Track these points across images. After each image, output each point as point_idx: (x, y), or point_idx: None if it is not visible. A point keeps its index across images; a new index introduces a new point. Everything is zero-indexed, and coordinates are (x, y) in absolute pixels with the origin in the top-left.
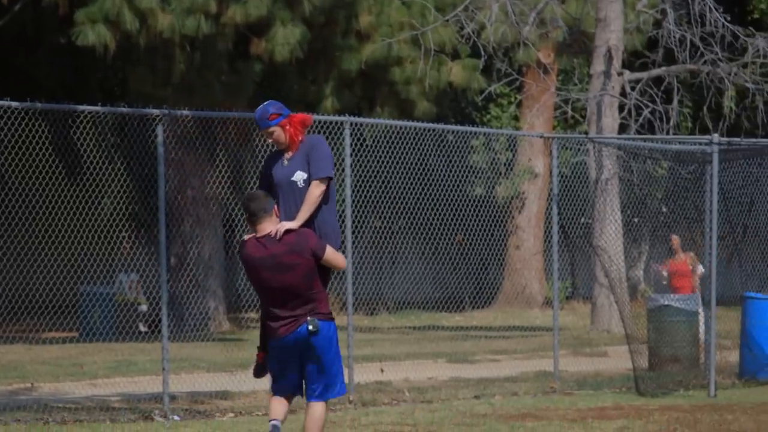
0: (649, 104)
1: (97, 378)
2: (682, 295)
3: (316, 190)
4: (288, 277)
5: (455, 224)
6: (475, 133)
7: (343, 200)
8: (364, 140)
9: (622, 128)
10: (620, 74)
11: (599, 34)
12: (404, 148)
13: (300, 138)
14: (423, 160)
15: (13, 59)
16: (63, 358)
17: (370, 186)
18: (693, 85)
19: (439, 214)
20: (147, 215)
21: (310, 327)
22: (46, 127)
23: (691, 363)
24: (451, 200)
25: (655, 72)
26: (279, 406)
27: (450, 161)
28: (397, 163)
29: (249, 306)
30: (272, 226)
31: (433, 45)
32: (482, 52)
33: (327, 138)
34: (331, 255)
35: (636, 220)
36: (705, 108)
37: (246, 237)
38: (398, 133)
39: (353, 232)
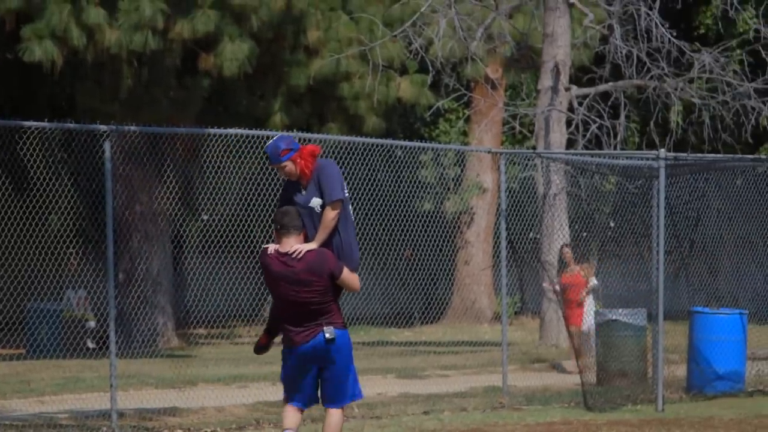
0: (597, 119)
1: (44, 395)
2: (629, 310)
3: (330, 213)
4: (304, 293)
5: (404, 239)
6: (424, 149)
7: None
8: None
9: (570, 143)
10: (568, 89)
11: (546, 49)
12: (353, 164)
13: (311, 168)
14: (372, 175)
15: None
16: (10, 375)
17: None
18: (640, 101)
19: (388, 230)
20: (95, 231)
21: (328, 335)
22: None
23: (639, 378)
24: (400, 215)
25: (603, 87)
26: (292, 416)
27: (399, 176)
28: (346, 178)
29: (198, 322)
30: (296, 243)
31: (382, 60)
32: (430, 68)
33: None
34: (347, 277)
35: (584, 234)
36: (652, 123)
37: (269, 247)
38: (347, 148)
39: None
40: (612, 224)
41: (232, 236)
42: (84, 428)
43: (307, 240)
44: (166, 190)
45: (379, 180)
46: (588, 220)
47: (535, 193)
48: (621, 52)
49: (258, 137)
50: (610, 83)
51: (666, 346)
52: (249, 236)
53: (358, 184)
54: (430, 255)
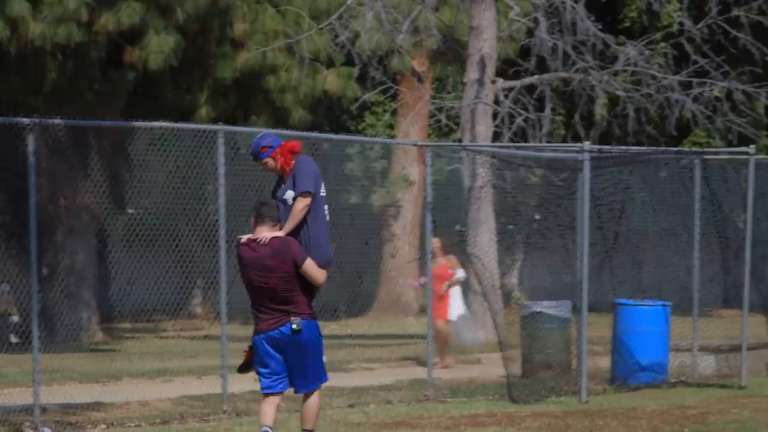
0: (522, 112)
1: None
2: (554, 302)
3: (299, 204)
4: (269, 278)
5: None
6: (350, 142)
7: (217, 209)
8: (239, 149)
9: (496, 136)
10: (493, 82)
11: (472, 42)
12: None
13: (291, 164)
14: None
15: None
16: None
17: (246, 195)
18: (565, 93)
19: None
20: (18, 225)
21: (294, 326)
22: None
23: (563, 369)
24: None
25: (528, 80)
26: (269, 409)
27: (325, 169)
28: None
29: (122, 316)
30: (267, 232)
31: (308, 53)
32: (357, 60)
33: (200, 147)
34: (311, 267)
35: (510, 227)
36: (577, 116)
37: (242, 237)
38: None
39: (228, 241)
40: (537, 217)
41: (158, 230)
42: (6, 423)
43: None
44: (90, 184)
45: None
46: (514, 213)
47: (461, 185)
48: (546, 45)
49: (183, 130)
50: (536, 76)
51: (590, 338)
52: (174, 230)
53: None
54: (356, 248)
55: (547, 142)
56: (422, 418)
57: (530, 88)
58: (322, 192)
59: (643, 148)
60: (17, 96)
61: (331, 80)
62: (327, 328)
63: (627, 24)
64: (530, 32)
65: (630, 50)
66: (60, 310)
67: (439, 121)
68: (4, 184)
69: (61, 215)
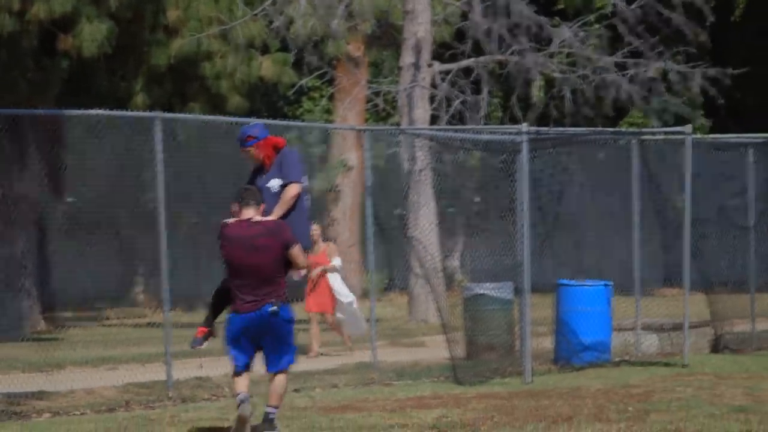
0: (460, 95)
1: None
2: (497, 284)
3: (290, 191)
4: (259, 257)
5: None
6: (288, 127)
7: (156, 196)
8: (176, 136)
9: (434, 119)
10: (430, 66)
11: (408, 26)
12: (216, 143)
13: (272, 157)
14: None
15: None
16: None
17: (184, 181)
18: (501, 76)
19: None
20: None
21: (273, 308)
22: None
23: (507, 350)
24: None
25: (464, 63)
26: (242, 381)
27: None
28: (210, 158)
29: (65, 305)
30: (254, 214)
31: (243, 39)
32: (292, 46)
33: (137, 134)
34: (297, 252)
35: (451, 210)
36: (514, 98)
37: (229, 221)
38: (210, 128)
39: (168, 228)
40: (477, 199)
41: (98, 218)
42: None
43: (264, 215)
44: (28, 174)
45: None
46: (454, 196)
47: (400, 169)
48: (481, 28)
49: (120, 118)
50: (472, 59)
51: (533, 319)
52: (114, 218)
53: (222, 163)
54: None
55: (485, 124)
56: (368, 401)
57: (466, 71)
58: (306, 182)
59: (580, 129)
60: None
61: (267, 66)
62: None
63: (561, 6)
64: (465, 15)
65: (565, 32)
66: (1, 300)
67: (376, 105)
68: None
69: None
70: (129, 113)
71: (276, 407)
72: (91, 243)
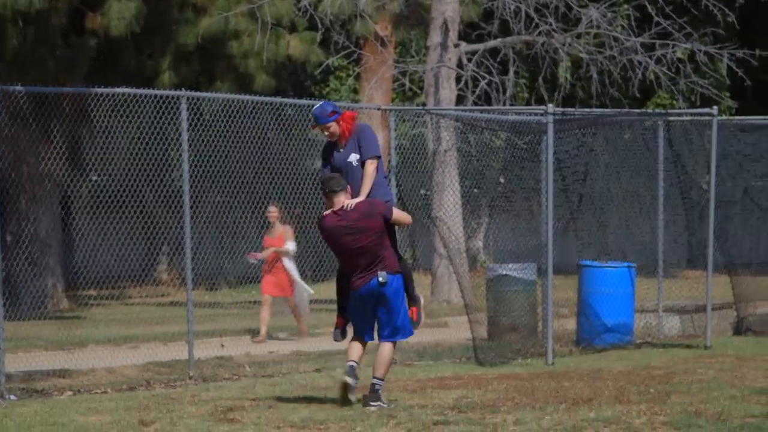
0: (486, 75)
1: None
2: (520, 265)
3: (371, 167)
4: (363, 238)
5: (296, 198)
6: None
7: (181, 175)
8: (202, 114)
9: (460, 100)
10: (457, 46)
11: (435, 5)
12: (243, 122)
13: (351, 130)
14: (262, 134)
15: None
16: None
17: (209, 160)
18: (528, 56)
19: (279, 188)
20: None
21: (381, 279)
22: None
23: (529, 332)
24: (291, 174)
25: (491, 43)
26: (356, 349)
27: (289, 135)
28: (236, 137)
29: (88, 284)
30: (345, 199)
31: (271, 18)
32: (320, 25)
33: (163, 113)
34: (398, 214)
35: (475, 191)
36: (540, 78)
37: (325, 213)
38: (236, 107)
39: (192, 207)
40: (502, 180)
41: (122, 196)
42: None
43: (352, 195)
44: (53, 151)
45: (269, 138)
46: (478, 177)
47: (425, 149)
48: (509, 8)
49: (146, 96)
50: (499, 39)
51: (556, 300)
52: (139, 196)
53: (248, 142)
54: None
55: (511, 105)
56: (389, 382)
57: (493, 52)
58: (379, 152)
59: (606, 110)
60: None
61: (294, 45)
62: None
63: None
64: None
65: (593, 12)
66: (24, 277)
67: (402, 85)
68: None
69: (24, 183)
70: (155, 91)
71: (381, 378)
72: (114, 222)
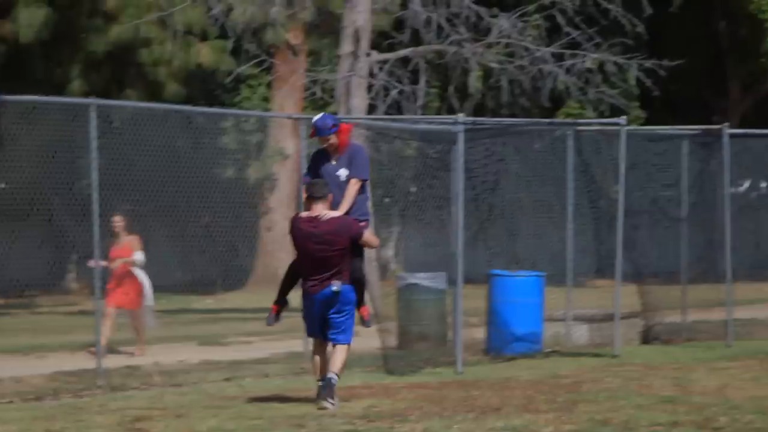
0: (397, 85)
1: None
2: (430, 274)
3: (354, 186)
4: (327, 250)
5: (205, 206)
6: (225, 115)
7: (89, 184)
8: (112, 123)
9: (371, 109)
10: (368, 55)
11: (347, 15)
12: (152, 131)
13: (347, 143)
14: (172, 142)
15: None
16: None
17: (118, 169)
18: (439, 66)
19: (188, 197)
20: None
21: (335, 288)
22: None
23: (439, 341)
24: (202, 182)
25: (403, 53)
26: (319, 358)
27: (200, 143)
28: (146, 145)
29: None
30: (323, 209)
31: (181, 26)
32: (231, 33)
33: (72, 121)
34: (368, 237)
35: (386, 200)
36: (452, 88)
37: (303, 214)
38: (146, 115)
39: (101, 216)
40: (413, 189)
41: (31, 204)
42: None
43: (332, 205)
44: None
45: (178, 147)
46: (390, 186)
47: None
48: (420, 18)
49: (55, 104)
50: (410, 49)
51: (466, 309)
52: (47, 204)
53: (156, 151)
54: (231, 221)
55: (422, 114)
56: (298, 391)
57: (405, 61)
58: (368, 176)
59: (516, 119)
60: None
61: (205, 53)
62: (203, 302)
63: None
64: (404, 4)
65: (503, 22)
66: None
67: (314, 94)
68: None
69: None
70: (64, 99)
71: (337, 374)
72: (23, 230)
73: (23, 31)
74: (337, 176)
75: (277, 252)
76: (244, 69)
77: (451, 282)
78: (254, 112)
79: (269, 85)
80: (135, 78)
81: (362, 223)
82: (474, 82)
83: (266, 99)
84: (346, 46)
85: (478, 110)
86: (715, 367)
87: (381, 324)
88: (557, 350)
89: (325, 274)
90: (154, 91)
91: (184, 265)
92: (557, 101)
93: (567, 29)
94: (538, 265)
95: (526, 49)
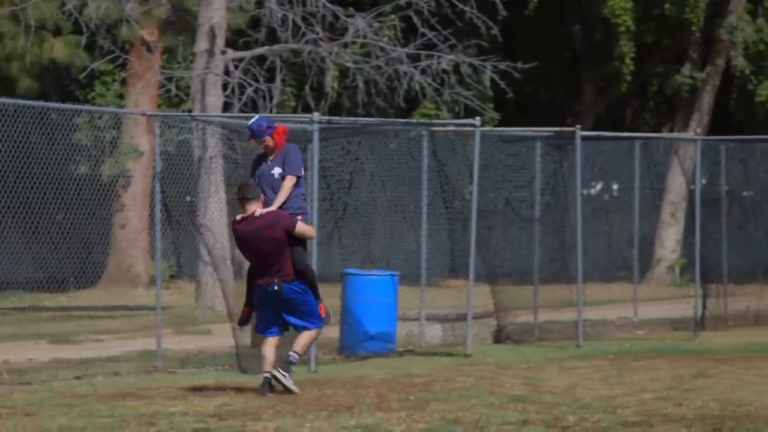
0: (253, 83)
1: None
2: None
3: (288, 182)
4: (265, 245)
5: (58, 203)
6: (78, 111)
7: None
8: None
9: (226, 107)
10: (224, 53)
11: (203, 12)
12: (4, 127)
13: (282, 144)
14: (24, 138)
15: None
16: None
17: None
18: (295, 65)
19: (41, 193)
20: None
21: (275, 287)
22: None
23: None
24: (54, 179)
25: (258, 51)
26: (269, 353)
27: (53, 139)
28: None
29: None
30: (257, 207)
31: (34, 21)
32: (85, 29)
33: None
34: (302, 228)
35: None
36: (307, 87)
37: (238, 217)
38: None
39: None
40: None
41: None
42: None
43: (265, 203)
44: None
45: (31, 143)
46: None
47: (191, 156)
48: (277, 16)
49: None
50: (266, 47)
51: None
52: None
53: (9, 147)
54: (84, 219)
55: (277, 112)
56: (150, 389)
57: (260, 59)
58: (302, 173)
59: (372, 119)
60: None
61: (59, 48)
62: (55, 300)
63: None
64: (260, 3)
65: (359, 22)
66: None
67: (169, 91)
68: None
69: None
70: None
71: (298, 354)
72: None
73: None
74: (272, 174)
75: (131, 250)
76: (99, 65)
77: None
78: (108, 108)
79: (124, 82)
80: None
81: (298, 217)
82: (330, 82)
83: (121, 96)
84: (201, 44)
85: (334, 110)
86: (565, 367)
87: (234, 322)
88: (411, 349)
89: (269, 270)
90: (6, 87)
91: (36, 263)
92: (413, 102)
93: (423, 30)
94: (393, 264)
95: (382, 49)
